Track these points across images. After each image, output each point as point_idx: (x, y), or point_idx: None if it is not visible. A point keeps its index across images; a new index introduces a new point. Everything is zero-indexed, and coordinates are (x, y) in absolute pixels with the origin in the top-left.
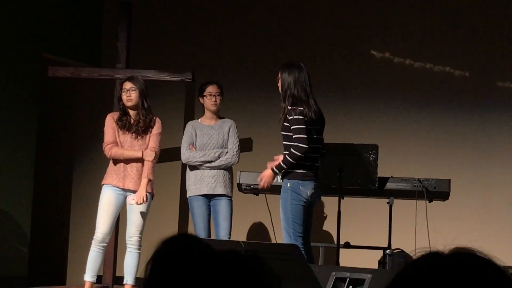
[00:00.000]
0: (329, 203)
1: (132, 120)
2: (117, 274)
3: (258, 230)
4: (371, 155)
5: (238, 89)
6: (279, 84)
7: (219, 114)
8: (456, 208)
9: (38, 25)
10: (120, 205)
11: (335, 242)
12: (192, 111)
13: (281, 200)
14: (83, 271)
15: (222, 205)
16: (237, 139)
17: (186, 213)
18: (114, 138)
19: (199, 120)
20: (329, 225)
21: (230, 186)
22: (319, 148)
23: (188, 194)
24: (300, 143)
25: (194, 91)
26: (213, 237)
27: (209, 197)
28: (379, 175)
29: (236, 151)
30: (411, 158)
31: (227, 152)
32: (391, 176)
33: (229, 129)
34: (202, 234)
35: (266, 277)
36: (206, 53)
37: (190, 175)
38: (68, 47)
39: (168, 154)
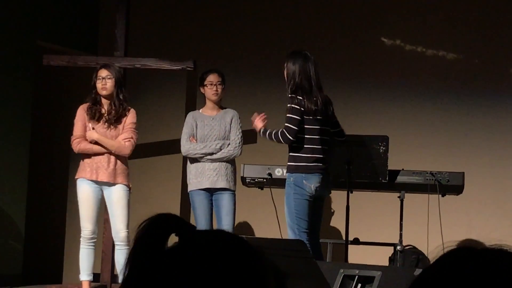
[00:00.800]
0: (337, 197)
1: (103, 110)
2: (115, 272)
3: (263, 226)
4: (381, 147)
5: (242, 78)
6: (285, 73)
7: (221, 104)
8: (470, 202)
9: (32, 12)
10: (99, 198)
11: (344, 238)
12: (194, 102)
13: (285, 195)
14: (79, 269)
15: (224, 200)
16: (240, 130)
17: (188, 208)
18: (83, 132)
19: (200, 110)
20: (337, 221)
21: (233, 180)
22: (325, 139)
23: (189, 189)
24: (287, 133)
25: (196, 81)
26: None
27: (211, 191)
28: (389, 168)
29: (239, 143)
30: (423, 150)
31: (229, 144)
32: (402, 169)
33: (231, 120)
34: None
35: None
36: (208, 40)
37: (190, 168)
38: (63, 34)
39: (168, 146)
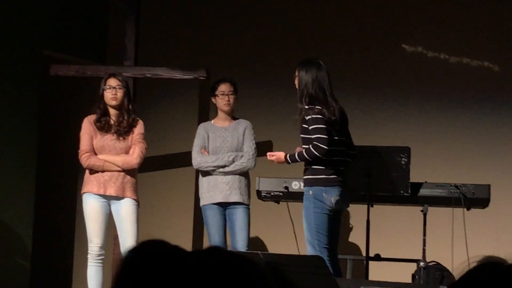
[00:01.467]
0: (357, 211)
1: (111, 121)
2: None
3: (279, 242)
4: (403, 159)
5: (256, 87)
6: (296, 83)
7: (233, 115)
8: (498, 216)
9: (38, 20)
10: (107, 213)
11: (364, 254)
12: (207, 113)
13: (303, 209)
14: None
15: (238, 214)
16: (253, 142)
17: (201, 224)
18: (91, 146)
19: (212, 121)
20: (357, 236)
21: (246, 193)
22: (343, 150)
23: (202, 203)
24: (320, 143)
25: (209, 90)
26: (229, 248)
27: (224, 206)
28: (411, 180)
29: (252, 155)
30: (446, 161)
31: (242, 156)
32: (425, 182)
33: (244, 131)
34: (217, 244)
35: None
36: (221, 48)
37: (203, 181)
38: (70, 43)
39: (180, 159)
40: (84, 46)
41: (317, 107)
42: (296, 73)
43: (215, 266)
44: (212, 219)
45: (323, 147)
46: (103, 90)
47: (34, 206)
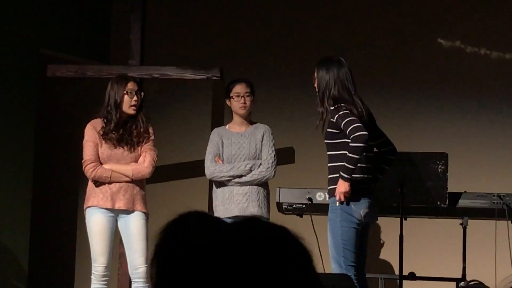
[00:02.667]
0: (389, 225)
1: (121, 130)
2: None
3: None
4: (440, 166)
5: (275, 88)
6: (316, 85)
7: (250, 119)
8: None
9: (34, 16)
10: (114, 228)
11: (397, 272)
12: (221, 116)
13: (329, 223)
14: None
15: None
16: (273, 148)
17: None
18: (97, 155)
19: (227, 126)
20: (389, 252)
21: (266, 206)
22: (372, 157)
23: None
24: (357, 131)
25: (223, 92)
26: None
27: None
28: (449, 190)
29: (272, 163)
30: (488, 169)
31: (260, 165)
32: (465, 192)
33: (263, 137)
34: None
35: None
36: (236, 45)
37: (217, 193)
38: (70, 41)
39: (191, 168)
40: (84, 44)
41: (343, 105)
42: (315, 74)
43: (254, 236)
44: None
45: (363, 133)
46: (122, 95)
47: (31, 222)
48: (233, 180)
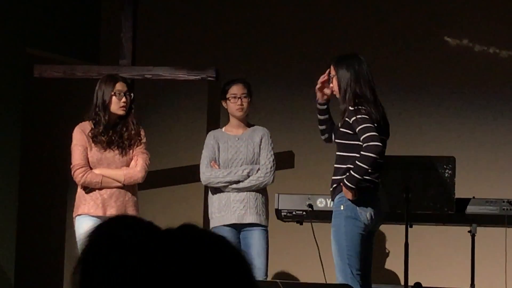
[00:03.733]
0: (394, 233)
1: (111, 133)
2: None
3: (303, 268)
4: (447, 171)
5: (274, 90)
6: (333, 84)
7: (247, 121)
8: None
9: (19, 14)
10: None
11: (402, 282)
12: (217, 119)
13: (332, 229)
14: None
15: (254, 237)
16: (272, 152)
17: None
18: (86, 160)
19: (223, 129)
20: (394, 261)
21: (264, 213)
22: (382, 163)
23: (212, 224)
24: (373, 141)
25: (219, 93)
26: None
27: (238, 227)
28: (457, 196)
29: (270, 168)
30: (498, 174)
31: (258, 170)
32: (473, 197)
33: (261, 140)
34: None
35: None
36: (232, 44)
37: (213, 199)
38: (57, 39)
39: (185, 174)
40: (73, 43)
41: (363, 108)
42: (333, 72)
43: (188, 242)
44: None
45: (377, 144)
46: (110, 96)
47: (17, 230)
48: (230, 186)
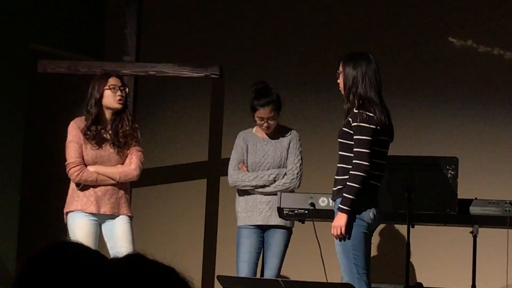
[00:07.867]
0: (395, 233)
1: (107, 129)
2: None
3: (304, 267)
4: (450, 171)
5: (277, 88)
6: (340, 81)
7: (278, 122)
8: None
9: (23, 9)
10: (98, 234)
11: (404, 283)
12: (221, 116)
13: None
14: None
15: (275, 239)
16: (299, 157)
17: (212, 242)
18: (81, 157)
19: (254, 130)
20: (396, 261)
21: None
22: (382, 164)
23: (238, 223)
24: (360, 160)
25: (223, 90)
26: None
27: (263, 228)
28: (459, 196)
29: (297, 174)
30: (500, 175)
31: (285, 174)
32: (475, 198)
33: (289, 144)
34: (243, 269)
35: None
36: (237, 42)
37: (239, 200)
38: (61, 35)
39: (189, 171)
40: (77, 38)
41: (367, 112)
42: (340, 69)
43: (133, 273)
44: (245, 241)
45: (364, 163)
46: (102, 91)
47: (19, 226)
48: (255, 190)
